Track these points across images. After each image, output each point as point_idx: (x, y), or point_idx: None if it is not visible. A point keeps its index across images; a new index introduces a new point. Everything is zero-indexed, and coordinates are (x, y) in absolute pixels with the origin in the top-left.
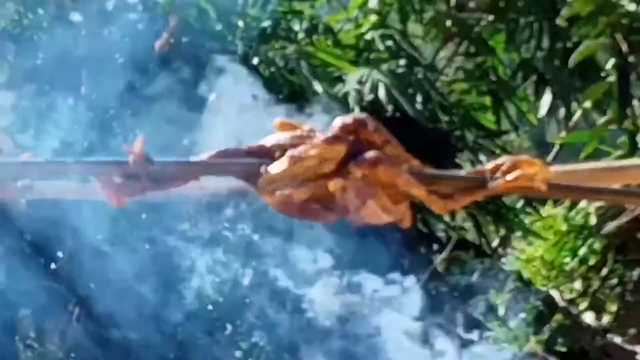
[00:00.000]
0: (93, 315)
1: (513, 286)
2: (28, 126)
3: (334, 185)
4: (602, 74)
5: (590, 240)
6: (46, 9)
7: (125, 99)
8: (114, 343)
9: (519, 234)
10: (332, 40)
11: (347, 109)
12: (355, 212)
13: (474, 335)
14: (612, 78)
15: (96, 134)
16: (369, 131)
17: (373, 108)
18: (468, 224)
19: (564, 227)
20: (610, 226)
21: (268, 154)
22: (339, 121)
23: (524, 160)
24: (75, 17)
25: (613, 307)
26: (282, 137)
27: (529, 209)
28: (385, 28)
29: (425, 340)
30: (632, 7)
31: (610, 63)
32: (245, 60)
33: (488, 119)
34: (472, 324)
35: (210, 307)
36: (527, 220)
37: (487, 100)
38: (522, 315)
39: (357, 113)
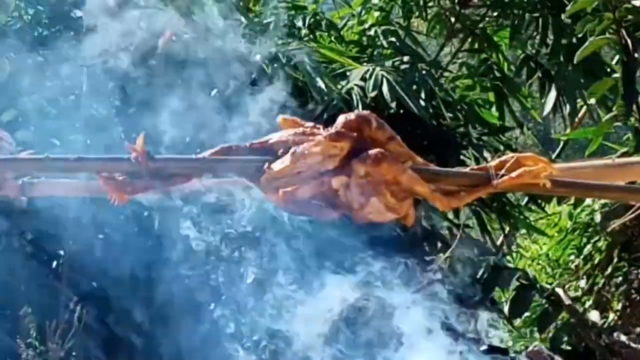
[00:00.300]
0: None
1: (518, 284)
2: (29, 123)
3: (337, 182)
4: (607, 70)
5: (595, 238)
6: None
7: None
8: (116, 342)
9: (523, 231)
10: (336, 37)
11: (350, 106)
12: (358, 209)
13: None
14: (617, 74)
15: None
16: (372, 128)
17: (376, 105)
18: (472, 221)
19: (568, 225)
20: (616, 224)
21: (271, 151)
22: (342, 118)
23: (529, 157)
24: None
25: (618, 305)
26: (285, 134)
27: (533, 207)
28: (388, 24)
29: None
30: (637, 2)
31: (615, 59)
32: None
33: (492, 116)
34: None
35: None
36: (531, 217)
37: (492, 96)
38: (527, 313)
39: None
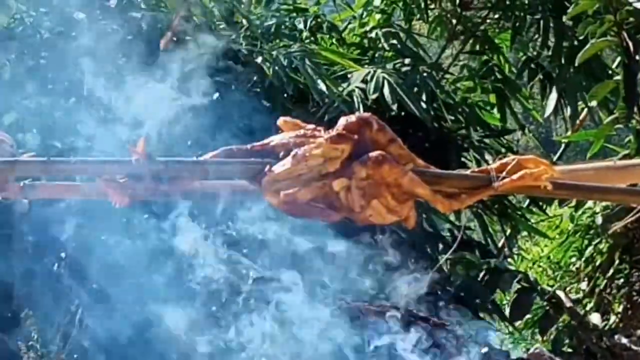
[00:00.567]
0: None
1: (519, 286)
2: (30, 125)
3: (338, 184)
4: (609, 73)
5: (596, 241)
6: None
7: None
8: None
9: (525, 233)
10: (337, 39)
11: (351, 108)
12: (359, 211)
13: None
14: (618, 76)
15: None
16: (373, 131)
17: (377, 107)
18: (474, 224)
19: (570, 227)
20: (617, 226)
21: (272, 154)
22: (343, 120)
23: (530, 159)
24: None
25: (619, 308)
26: (286, 136)
27: (535, 209)
28: (390, 26)
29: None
30: (638, 5)
31: (616, 61)
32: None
33: (493, 118)
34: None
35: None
36: (533, 220)
37: (493, 98)
38: (528, 315)
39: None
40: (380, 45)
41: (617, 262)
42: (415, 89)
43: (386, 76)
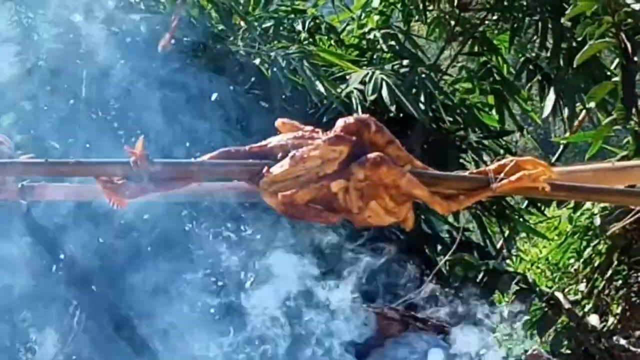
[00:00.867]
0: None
1: (517, 288)
2: (28, 127)
3: (336, 186)
4: (607, 74)
5: (595, 242)
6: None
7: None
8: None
9: (523, 235)
10: (335, 40)
11: (350, 109)
12: (358, 213)
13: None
14: (616, 78)
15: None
16: (371, 132)
17: (376, 108)
18: (472, 225)
19: (568, 228)
20: (615, 227)
21: (270, 155)
22: (341, 122)
23: (528, 160)
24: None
25: (618, 309)
26: (284, 137)
27: (533, 210)
28: (388, 28)
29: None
30: (637, 6)
31: (615, 63)
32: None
33: (492, 119)
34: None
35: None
36: (531, 221)
37: (491, 99)
38: (526, 317)
39: (359, 114)
40: (378, 47)
41: (615, 263)
42: (414, 90)
43: (385, 77)
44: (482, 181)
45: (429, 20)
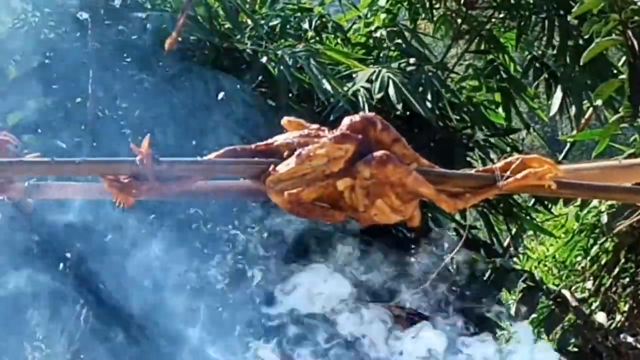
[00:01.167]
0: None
1: (524, 286)
2: (34, 126)
3: (342, 184)
4: (614, 72)
5: (602, 240)
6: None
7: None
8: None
9: (530, 232)
10: (342, 39)
11: (356, 107)
12: (364, 211)
13: (485, 335)
14: (623, 75)
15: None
16: (377, 130)
17: (382, 106)
18: (479, 223)
19: (575, 226)
20: (622, 225)
21: (276, 153)
22: (347, 120)
23: (534, 158)
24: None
25: (625, 307)
26: (290, 136)
27: (540, 208)
28: (395, 26)
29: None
30: None
31: (622, 60)
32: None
33: (499, 117)
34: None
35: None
36: (538, 219)
37: (498, 97)
38: (533, 315)
39: (366, 112)
40: (385, 45)
41: (622, 261)
42: (421, 89)
43: (391, 76)
44: (488, 179)
45: (435, 19)
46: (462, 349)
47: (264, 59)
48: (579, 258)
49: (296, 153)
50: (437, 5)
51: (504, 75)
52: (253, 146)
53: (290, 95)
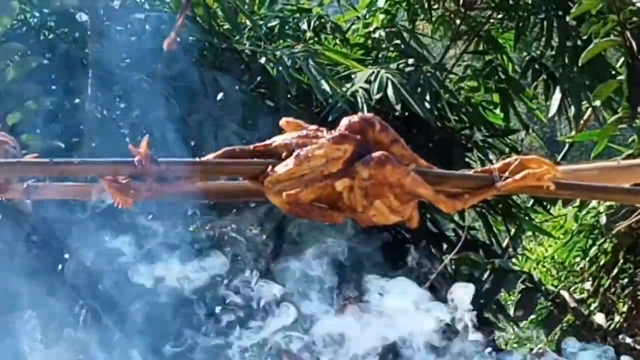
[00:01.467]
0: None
1: (523, 287)
2: (33, 126)
3: (341, 185)
4: (612, 72)
5: (600, 240)
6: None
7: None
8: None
9: (529, 233)
10: (340, 39)
11: (355, 108)
12: (362, 212)
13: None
14: (622, 76)
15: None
16: (375, 131)
17: (381, 107)
18: (478, 224)
19: (574, 227)
20: (621, 226)
21: (275, 154)
22: (345, 120)
23: (533, 159)
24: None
25: (624, 308)
26: (288, 136)
27: (539, 209)
28: (393, 27)
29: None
30: None
31: (620, 61)
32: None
33: (497, 118)
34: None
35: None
36: (537, 219)
37: (496, 98)
38: (532, 315)
39: (365, 113)
40: (384, 46)
41: (621, 261)
42: (419, 89)
43: (390, 76)
44: (486, 180)
45: (434, 19)
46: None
47: (263, 60)
48: (577, 259)
49: (295, 154)
50: (436, 6)
51: (503, 76)
52: (251, 147)
53: (288, 95)
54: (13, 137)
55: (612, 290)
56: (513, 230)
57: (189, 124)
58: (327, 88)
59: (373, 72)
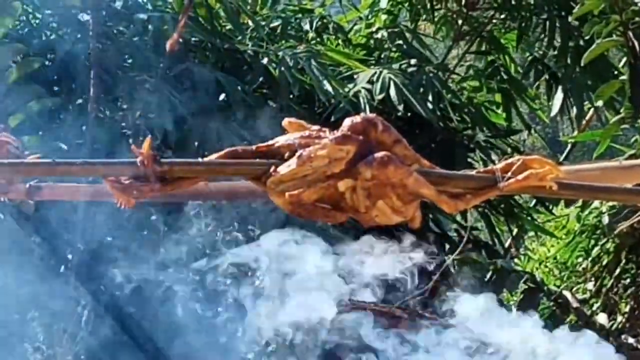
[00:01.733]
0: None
1: (525, 287)
2: (35, 127)
3: (343, 185)
4: (615, 72)
5: (603, 240)
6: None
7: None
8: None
9: (531, 234)
10: (343, 40)
11: (357, 109)
12: (365, 212)
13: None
14: (624, 76)
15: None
16: (378, 131)
17: (384, 107)
18: (480, 224)
19: (576, 227)
20: (624, 226)
21: (277, 154)
22: (348, 121)
23: (535, 159)
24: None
25: (626, 308)
26: (291, 137)
27: (541, 209)
28: (396, 27)
29: None
30: None
31: (622, 61)
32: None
33: (500, 118)
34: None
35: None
36: (539, 220)
37: (499, 98)
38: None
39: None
40: (386, 46)
41: (623, 261)
42: (422, 90)
43: (392, 77)
44: (489, 180)
45: (436, 20)
46: None
47: (265, 60)
48: (580, 259)
49: (297, 154)
50: (438, 6)
51: (505, 76)
52: (254, 147)
53: (291, 96)
54: (15, 138)
55: (615, 290)
56: (515, 231)
57: (191, 124)
58: (330, 88)
59: (375, 73)
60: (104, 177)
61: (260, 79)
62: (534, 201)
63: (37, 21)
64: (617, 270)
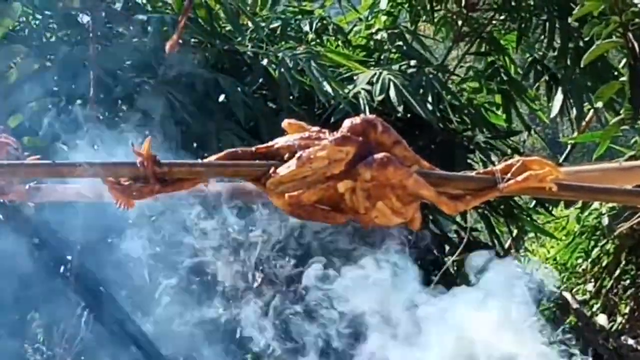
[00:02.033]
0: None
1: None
2: (35, 128)
3: (343, 186)
4: (614, 74)
5: (603, 242)
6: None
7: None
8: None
9: (531, 235)
10: (343, 41)
11: (357, 110)
12: (364, 213)
13: None
14: (624, 77)
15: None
16: (378, 132)
17: (383, 109)
18: (480, 225)
19: (576, 228)
20: (623, 227)
21: (277, 156)
22: (347, 122)
23: (535, 160)
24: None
25: (626, 309)
26: (291, 138)
27: (541, 210)
28: (395, 28)
29: None
30: None
31: (622, 62)
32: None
33: (500, 119)
34: None
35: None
36: (539, 221)
37: (498, 99)
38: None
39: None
40: (386, 47)
41: (623, 263)
42: (421, 91)
43: (392, 78)
44: (489, 181)
45: (436, 21)
46: None
47: (265, 61)
48: (579, 260)
49: (297, 155)
50: (438, 8)
51: (505, 77)
52: (254, 148)
53: (291, 97)
54: (15, 139)
55: (615, 291)
56: (515, 232)
57: (191, 125)
58: (329, 90)
59: (375, 74)
60: (104, 178)
61: (260, 80)
62: (533, 202)
63: (37, 22)
64: (617, 272)
